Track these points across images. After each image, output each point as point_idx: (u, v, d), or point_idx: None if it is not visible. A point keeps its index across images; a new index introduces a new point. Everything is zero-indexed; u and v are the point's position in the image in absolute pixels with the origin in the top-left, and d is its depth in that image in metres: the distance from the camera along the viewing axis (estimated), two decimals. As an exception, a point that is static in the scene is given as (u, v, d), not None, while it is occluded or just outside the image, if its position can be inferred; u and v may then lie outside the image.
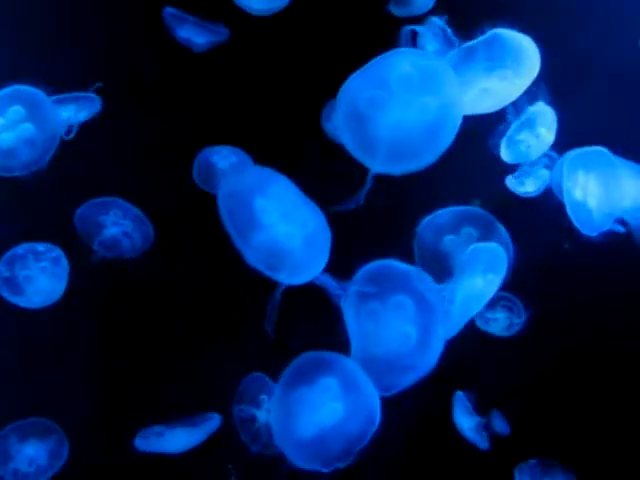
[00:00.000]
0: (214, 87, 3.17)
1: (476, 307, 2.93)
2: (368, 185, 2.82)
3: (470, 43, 2.84)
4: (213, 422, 3.10)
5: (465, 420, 3.15)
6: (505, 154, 3.00)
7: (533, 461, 3.15)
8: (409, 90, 2.77)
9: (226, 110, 3.18)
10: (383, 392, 2.84)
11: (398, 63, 2.78)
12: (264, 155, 2.98)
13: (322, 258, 2.86)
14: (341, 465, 2.80)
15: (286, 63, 3.17)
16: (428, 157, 2.80)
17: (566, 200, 2.91)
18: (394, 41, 2.85)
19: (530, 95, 2.92)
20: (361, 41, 3.01)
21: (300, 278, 2.87)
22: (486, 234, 3.01)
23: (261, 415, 3.03)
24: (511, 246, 2.98)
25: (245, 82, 3.17)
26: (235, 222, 2.84)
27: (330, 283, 2.88)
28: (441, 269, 2.98)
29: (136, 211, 3.14)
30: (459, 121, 2.78)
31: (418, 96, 2.77)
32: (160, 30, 3.10)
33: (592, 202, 2.91)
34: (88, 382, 3.21)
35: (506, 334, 3.11)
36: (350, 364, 2.87)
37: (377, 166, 2.82)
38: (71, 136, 3.00)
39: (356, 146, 2.82)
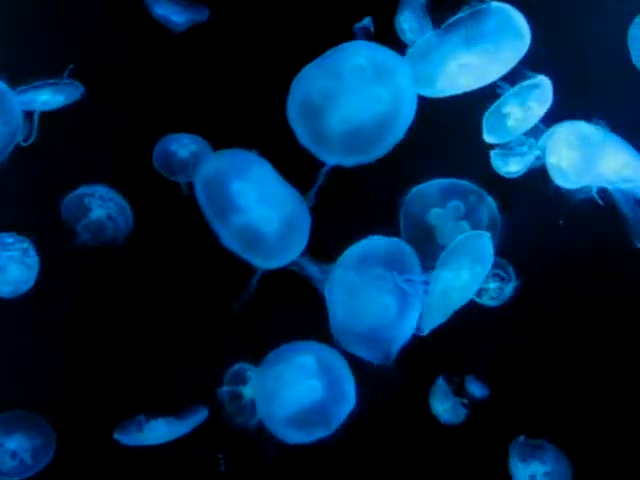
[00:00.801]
0: (192, 69, 3.10)
1: (461, 300, 2.93)
2: (320, 182, 2.82)
3: (453, 17, 2.82)
4: (201, 415, 3.07)
5: (440, 404, 3.16)
6: (488, 130, 2.95)
7: (522, 438, 3.17)
8: (362, 82, 2.78)
9: (202, 93, 3.11)
10: (373, 362, 2.88)
11: (351, 55, 2.80)
12: (235, 138, 2.94)
13: (300, 242, 2.87)
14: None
15: (265, 46, 3.11)
16: (381, 149, 2.81)
17: (546, 163, 2.93)
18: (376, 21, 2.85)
19: (520, 70, 2.90)
20: (342, 23, 2.94)
21: (277, 262, 2.87)
22: (474, 207, 3.00)
23: (247, 391, 3.02)
24: (500, 219, 2.99)
25: (222, 64, 3.11)
26: (212, 205, 2.84)
27: (310, 267, 2.89)
28: (426, 242, 2.99)
29: (118, 196, 3.09)
30: (412, 113, 2.79)
31: (371, 87, 2.78)
32: (139, 8, 3.03)
33: (566, 165, 2.92)
34: (65, 372, 3.15)
35: (495, 303, 3.12)
36: (326, 348, 2.93)
37: (331, 158, 2.83)
38: (30, 141, 2.95)
39: (309, 138, 2.82)
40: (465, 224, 3.01)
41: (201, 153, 3.00)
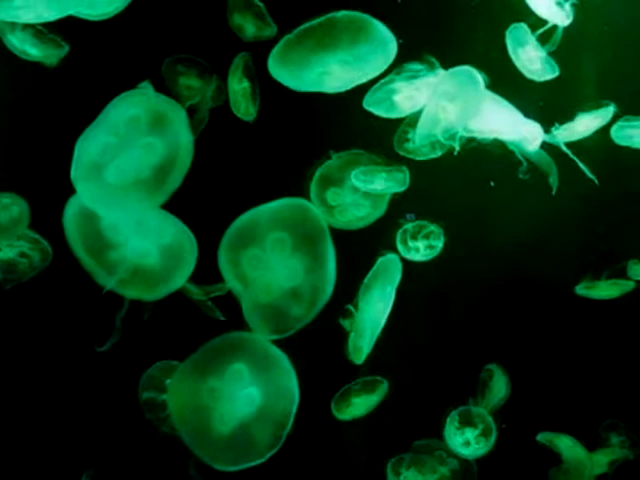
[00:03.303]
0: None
1: (383, 321, 2.99)
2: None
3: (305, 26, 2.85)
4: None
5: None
6: (371, 99, 2.93)
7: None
8: (137, 133, 2.76)
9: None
10: (279, 334, 2.87)
11: (127, 107, 2.78)
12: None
13: (184, 268, 2.84)
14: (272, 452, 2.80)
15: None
16: (159, 197, 2.78)
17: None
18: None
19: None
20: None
21: (161, 291, 2.85)
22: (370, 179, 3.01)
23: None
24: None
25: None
26: (84, 246, 2.83)
27: (196, 291, 2.88)
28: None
29: (29, 232, 3.04)
30: (189, 160, 2.77)
31: (145, 138, 2.77)
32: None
33: (444, 115, 2.91)
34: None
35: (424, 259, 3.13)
36: (256, 340, 2.85)
37: (109, 212, 2.79)
38: None
39: (91, 200, 2.77)
40: (365, 202, 3.02)
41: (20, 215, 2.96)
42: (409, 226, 3.08)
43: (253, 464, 2.80)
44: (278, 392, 2.83)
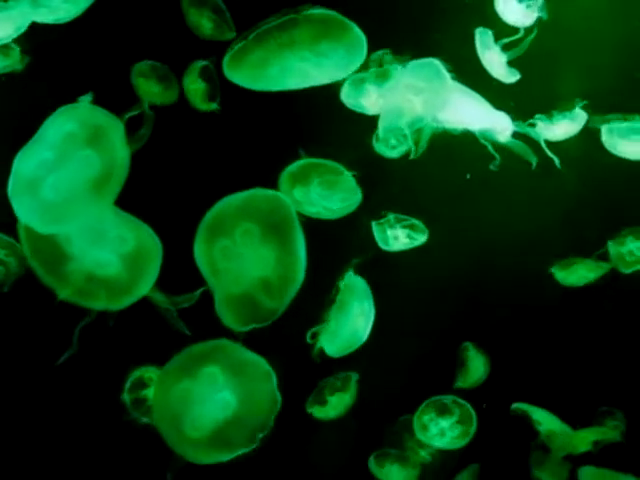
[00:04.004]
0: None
1: (364, 333, 3.03)
2: None
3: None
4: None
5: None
6: (345, 96, 2.96)
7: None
8: (74, 148, 2.76)
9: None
10: (251, 325, 2.88)
11: (64, 121, 2.79)
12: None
13: (150, 272, 2.84)
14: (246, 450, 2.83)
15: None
16: (96, 211, 2.78)
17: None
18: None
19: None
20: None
21: (124, 301, 2.84)
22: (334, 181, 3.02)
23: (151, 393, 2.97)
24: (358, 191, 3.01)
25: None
26: (39, 258, 2.83)
27: (161, 299, 2.88)
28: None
29: (6, 238, 3.02)
30: (125, 173, 2.77)
31: (82, 151, 2.76)
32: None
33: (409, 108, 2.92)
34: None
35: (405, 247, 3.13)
36: (232, 347, 2.86)
37: (44, 228, 2.78)
38: None
39: (27, 213, 2.77)
40: (336, 197, 3.03)
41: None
42: (390, 217, 3.09)
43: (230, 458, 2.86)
44: (256, 395, 2.86)
